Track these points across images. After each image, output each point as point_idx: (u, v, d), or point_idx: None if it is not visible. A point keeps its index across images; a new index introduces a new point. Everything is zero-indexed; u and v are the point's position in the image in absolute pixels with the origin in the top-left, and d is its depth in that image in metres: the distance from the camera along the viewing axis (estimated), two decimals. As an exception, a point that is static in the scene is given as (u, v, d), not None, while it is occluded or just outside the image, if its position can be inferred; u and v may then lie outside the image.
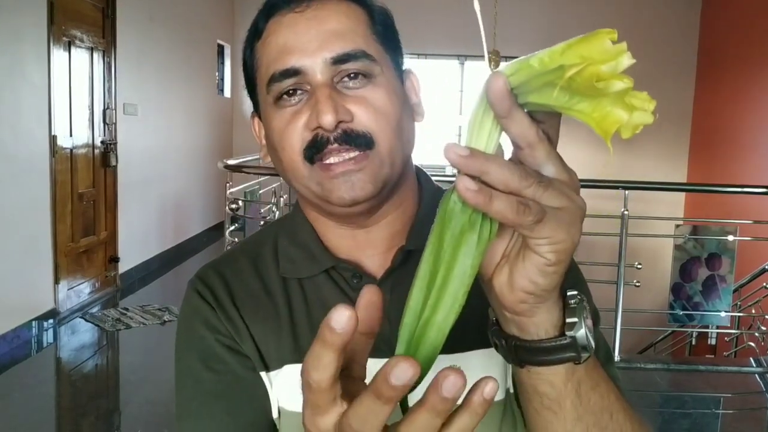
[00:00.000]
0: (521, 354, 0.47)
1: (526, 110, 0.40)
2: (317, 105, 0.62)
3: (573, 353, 0.46)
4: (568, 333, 0.46)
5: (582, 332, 0.46)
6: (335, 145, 0.62)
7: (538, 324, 0.46)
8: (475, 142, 0.41)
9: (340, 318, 0.34)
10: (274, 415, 0.70)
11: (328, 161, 0.63)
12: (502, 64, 0.37)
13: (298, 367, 0.68)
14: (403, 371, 0.33)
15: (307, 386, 0.36)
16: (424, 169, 0.77)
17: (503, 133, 0.41)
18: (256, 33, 0.69)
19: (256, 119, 0.75)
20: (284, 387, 0.69)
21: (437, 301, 0.42)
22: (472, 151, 0.39)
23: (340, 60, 0.63)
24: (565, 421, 0.49)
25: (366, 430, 0.35)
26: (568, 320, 0.46)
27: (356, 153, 0.63)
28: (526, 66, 0.37)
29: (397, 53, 0.70)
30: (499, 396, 0.68)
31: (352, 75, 0.64)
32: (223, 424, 0.68)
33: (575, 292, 0.48)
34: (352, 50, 0.64)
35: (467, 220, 0.42)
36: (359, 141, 0.63)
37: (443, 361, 0.66)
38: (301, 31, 0.64)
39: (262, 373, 0.69)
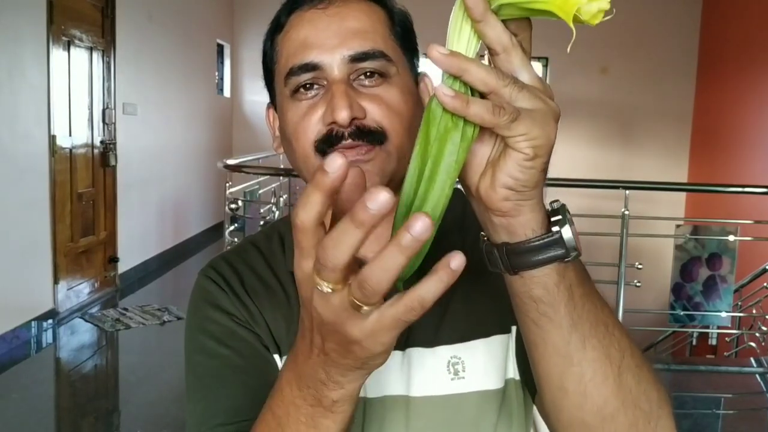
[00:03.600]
0: (513, 259, 0.49)
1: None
2: (333, 100, 0.64)
3: (561, 250, 0.48)
4: (554, 229, 0.48)
5: (567, 229, 0.48)
6: (348, 141, 0.64)
7: (525, 224, 0.48)
8: (455, 49, 0.45)
9: (333, 163, 0.37)
10: None
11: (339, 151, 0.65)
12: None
13: None
14: (380, 199, 0.36)
15: (294, 227, 0.41)
16: None
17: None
18: (277, 26, 0.71)
19: (271, 110, 0.77)
20: None
21: (426, 191, 0.46)
22: (452, 51, 0.44)
23: (357, 58, 0.65)
24: (561, 327, 0.50)
25: (338, 253, 0.38)
26: (553, 219, 0.49)
27: (367, 147, 0.65)
28: None
29: (414, 55, 0.72)
30: (498, 384, 0.70)
31: (368, 73, 0.66)
32: (237, 399, 0.69)
33: (556, 200, 0.51)
34: (370, 49, 0.66)
35: (450, 119, 0.45)
36: (371, 137, 0.65)
37: (446, 350, 0.69)
38: (321, 28, 0.66)
39: (275, 356, 0.71)
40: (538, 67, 7.72)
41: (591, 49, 7.07)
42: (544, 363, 0.53)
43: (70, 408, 3.38)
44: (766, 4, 5.96)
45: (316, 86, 0.66)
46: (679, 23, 7.70)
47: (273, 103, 0.75)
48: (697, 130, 7.73)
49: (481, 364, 0.69)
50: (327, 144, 0.65)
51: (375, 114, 0.65)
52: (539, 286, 0.49)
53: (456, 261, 0.38)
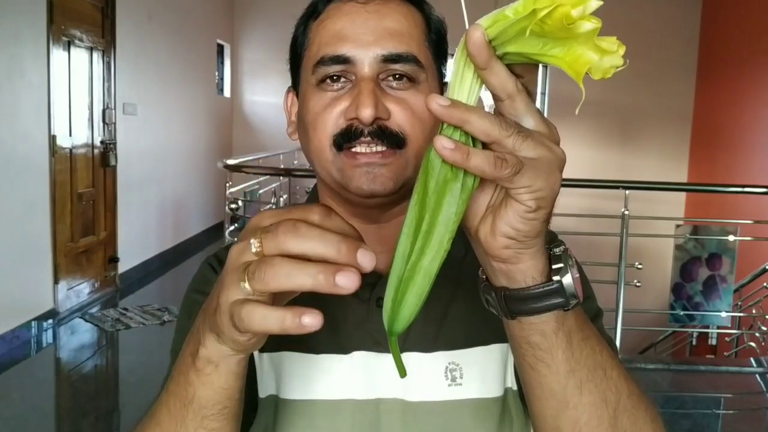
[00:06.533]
0: (511, 304, 0.48)
1: (504, 64, 0.42)
2: (359, 96, 0.63)
3: (561, 299, 0.47)
4: (554, 278, 0.47)
5: (568, 277, 0.47)
6: (367, 138, 0.64)
7: (525, 271, 0.47)
8: (456, 95, 0.43)
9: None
10: (261, 395, 0.70)
11: (355, 149, 0.65)
12: (481, 19, 0.40)
13: (296, 354, 0.69)
14: (365, 263, 0.39)
15: (311, 205, 0.42)
16: None
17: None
18: (313, 12, 0.70)
19: (291, 94, 0.76)
20: (275, 372, 0.69)
21: (424, 245, 0.44)
22: (453, 101, 0.41)
23: (390, 59, 0.65)
24: (558, 373, 0.50)
25: (293, 244, 0.40)
26: (554, 266, 0.48)
27: (385, 149, 0.64)
28: (502, 17, 0.39)
29: (443, 63, 0.71)
30: (497, 393, 0.69)
31: (397, 76, 0.65)
32: None
33: (559, 243, 0.49)
34: (404, 52, 0.65)
35: (450, 170, 0.44)
36: (391, 139, 0.64)
37: (444, 356, 0.68)
38: (359, 22, 0.65)
39: (255, 352, 0.69)
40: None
41: (591, 49, 7.06)
42: (540, 405, 0.53)
43: (70, 408, 3.38)
44: (767, 4, 5.96)
45: (343, 79, 0.66)
46: (679, 23, 7.70)
47: (295, 88, 0.74)
48: (697, 130, 7.74)
49: (479, 372, 0.68)
50: (345, 138, 0.64)
51: (399, 118, 0.64)
52: (537, 333, 0.49)
53: (308, 318, 0.38)
